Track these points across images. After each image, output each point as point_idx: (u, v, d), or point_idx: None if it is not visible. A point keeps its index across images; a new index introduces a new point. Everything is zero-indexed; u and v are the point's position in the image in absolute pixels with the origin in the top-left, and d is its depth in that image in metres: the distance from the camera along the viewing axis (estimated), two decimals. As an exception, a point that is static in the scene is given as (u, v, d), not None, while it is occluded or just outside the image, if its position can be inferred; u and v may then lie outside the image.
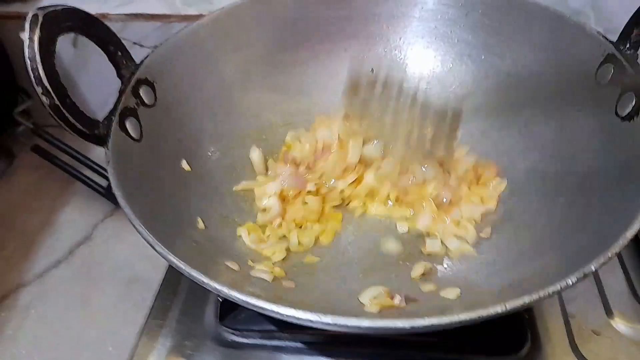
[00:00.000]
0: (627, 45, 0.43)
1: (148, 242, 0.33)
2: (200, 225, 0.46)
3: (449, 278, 0.44)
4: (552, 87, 0.49)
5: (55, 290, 0.58)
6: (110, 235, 0.64)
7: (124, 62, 0.45)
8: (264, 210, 0.50)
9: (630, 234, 0.33)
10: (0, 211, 0.67)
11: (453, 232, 0.48)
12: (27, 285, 0.59)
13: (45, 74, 0.36)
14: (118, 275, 0.60)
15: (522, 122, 0.51)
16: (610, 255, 0.31)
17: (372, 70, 0.59)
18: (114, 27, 0.67)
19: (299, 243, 0.48)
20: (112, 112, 0.41)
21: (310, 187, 0.51)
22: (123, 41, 0.69)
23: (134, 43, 0.70)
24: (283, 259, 0.47)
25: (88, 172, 0.65)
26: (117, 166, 0.37)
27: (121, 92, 0.43)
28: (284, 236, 0.49)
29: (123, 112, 0.42)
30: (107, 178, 0.64)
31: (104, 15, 0.68)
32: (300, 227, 0.50)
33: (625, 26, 0.44)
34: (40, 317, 0.55)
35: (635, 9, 0.43)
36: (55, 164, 0.67)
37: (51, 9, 0.39)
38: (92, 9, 0.67)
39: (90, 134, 0.38)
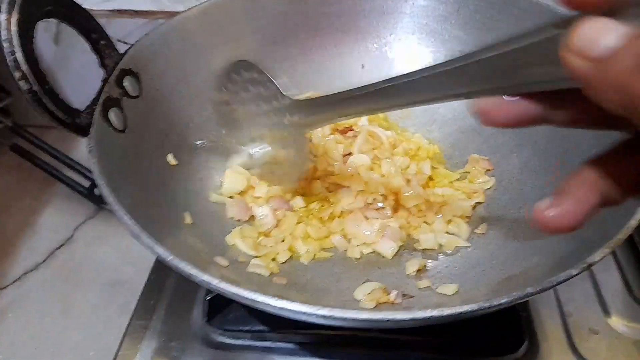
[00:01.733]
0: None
1: (132, 233, 0.31)
2: (188, 220, 0.44)
3: (446, 274, 0.43)
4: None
5: (35, 294, 0.56)
6: (92, 237, 0.63)
7: (107, 51, 0.43)
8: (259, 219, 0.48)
9: (630, 227, 0.32)
10: (-21, 212, 0.65)
11: (445, 230, 0.47)
12: (5, 288, 0.56)
13: (24, 58, 0.34)
14: (100, 278, 0.58)
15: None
16: (609, 250, 0.30)
17: (363, 66, 0.58)
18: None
19: (307, 251, 0.46)
20: (94, 101, 0.39)
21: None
22: (107, 38, 0.68)
23: (118, 40, 0.69)
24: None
25: (69, 172, 0.63)
26: (100, 156, 0.35)
27: (104, 81, 0.41)
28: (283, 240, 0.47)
29: (106, 102, 0.40)
30: (89, 178, 0.62)
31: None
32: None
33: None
34: (19, 321, 0.53)
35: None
36: (36, 163, 0.65)
37: (31, -7, 0.37)
38: (76, 4, 0.67)
39: (71, 122, 0.37)
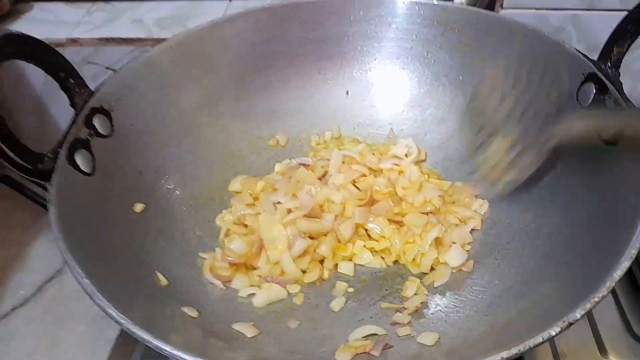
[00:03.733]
0: (609, 64, 0.41)
1: (95, 302, 0.30)
2: (163, 281, 0.41)
3: (428, 318, 0.41)
4: (532, 109, 0.47)
5: (23, 330, 0.55)
6: (81, 268, 0.62)
7: (77, 89, 0.43)
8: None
9: (618, 273, 0.30)
10: (-30, 244, 0.65)
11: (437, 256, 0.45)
12: (-8, 325, 0.56)
13: (-19, 107, 0.33)
14: (89, 311, 0.57)
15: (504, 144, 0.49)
16: (597, 300, 0.28)
17: (347, 92, 0.57)
18: (85, 51, 0.67)
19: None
20: (59, 144, 0.38)
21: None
22: (95, 66, 0.68)
23: (107, 67, 0.69)
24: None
25: (58, 204, 0.63)
26: (61, 207, 0.34)
27: (72, 122, 0.40)
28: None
29: (73, 145, 0.39)
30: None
31: (75, 40, 0.67)
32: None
33: (605, 44, 0.41)
34: (5, 358, 0.52)
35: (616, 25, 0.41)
36: (26, 194, 0.65)
37: (-9, 36, 0.36)
38: (64, 33, 0.67)
39: (33, 169, 0.36)
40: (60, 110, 0.71)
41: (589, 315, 0.47)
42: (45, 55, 0.40)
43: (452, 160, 0.52)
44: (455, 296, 0.42)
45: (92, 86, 0.68)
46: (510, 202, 0.47)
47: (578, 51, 0.44)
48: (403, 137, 0.55)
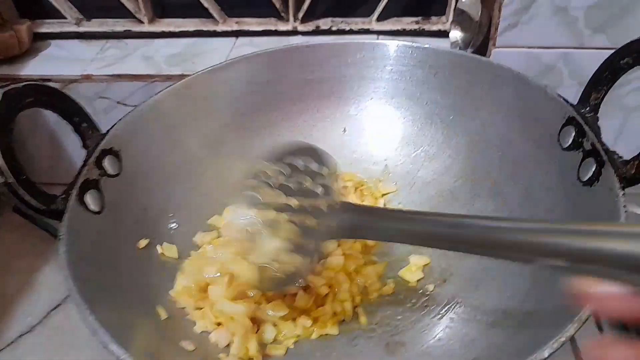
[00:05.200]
0: (587, 108, 0.43)
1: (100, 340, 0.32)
2: (163, 315, 0.43)
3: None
4: (519, 148, 0.49)
5: (28, 358, 0.57)
6: (88, 296, 0.64)
7: (90, 132, 0.46)
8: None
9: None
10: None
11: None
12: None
13: (2, 154, 0.36)
14: (94, 340, 0.58)
15: (491, 182, 0.51)
16: (563, 340, 0.30)
17: (344, 130, 0.60)
18: (98, 87, 0.70)
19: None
20: (70, 185, 0.41)
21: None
22: (106, 100, 0.71)
23: (118, 102, 0.72)
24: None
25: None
26: (71, 245, 0.37)
27: (83, 164, 0.43)
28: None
29: (84, 185, 0.42)
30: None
31: (88, 76, 0.71)
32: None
33: (584, 89, 0.44)
34: (12, 387, 0.55)
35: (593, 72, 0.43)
36: (37, 223, 0.68)
37: (12, 86, 0.40)
38: (77, 70, 0.71)
39: (47, 209, 0.39)
40: (74, 144, 0.74)
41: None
42: (61, 102, 0.43)
43: (443, 196, 0.54)
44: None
45: (103, 118, 0.72)
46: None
47: (559, 95, 0.46)
48: (397, 172, 0.57)
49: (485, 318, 0.42)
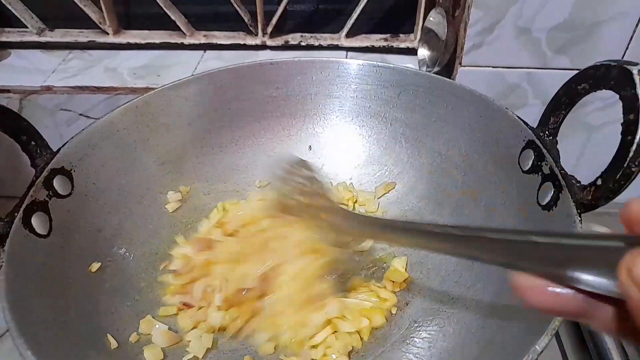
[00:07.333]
0: (546, 132, 0.43)
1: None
2: (113, 344, 0.41)
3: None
4: (481, 170, 0.49)
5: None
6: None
7: (39, 150, 0.44)
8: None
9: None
10: None
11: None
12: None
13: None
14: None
15: (454, 203, 0.51)
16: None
17: (310, 147, 0.59)
18: (59, 99, 0.68)
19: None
20: (16, 207, 0.39)
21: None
22: (69, 112, 0.69)
23: (80, 114, 0.70)
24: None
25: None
26: (12, 272, 0.35)
27: (30, 184, 0.42)
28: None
29: (29, 207, 0.40)
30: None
31: (49, 88, 0.69)
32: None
33: (543, 113, 0.44)
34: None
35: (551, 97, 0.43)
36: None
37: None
38: (37, 81, 0.69)
39: (-13, 233, 0.37)
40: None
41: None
42: (8, 120, 0.42)
43: (407, 216, 0.53)
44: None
45: (64, 130, 0.70)
46: (458, 262, 0.48)
47: (519, 118, 0.46)
48: (362, 191, 0.57)
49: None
